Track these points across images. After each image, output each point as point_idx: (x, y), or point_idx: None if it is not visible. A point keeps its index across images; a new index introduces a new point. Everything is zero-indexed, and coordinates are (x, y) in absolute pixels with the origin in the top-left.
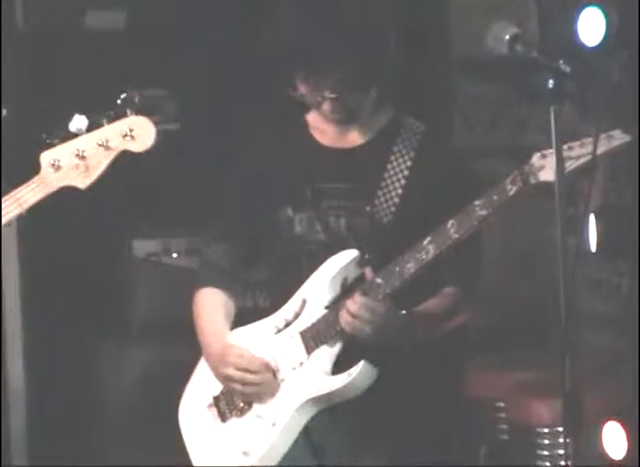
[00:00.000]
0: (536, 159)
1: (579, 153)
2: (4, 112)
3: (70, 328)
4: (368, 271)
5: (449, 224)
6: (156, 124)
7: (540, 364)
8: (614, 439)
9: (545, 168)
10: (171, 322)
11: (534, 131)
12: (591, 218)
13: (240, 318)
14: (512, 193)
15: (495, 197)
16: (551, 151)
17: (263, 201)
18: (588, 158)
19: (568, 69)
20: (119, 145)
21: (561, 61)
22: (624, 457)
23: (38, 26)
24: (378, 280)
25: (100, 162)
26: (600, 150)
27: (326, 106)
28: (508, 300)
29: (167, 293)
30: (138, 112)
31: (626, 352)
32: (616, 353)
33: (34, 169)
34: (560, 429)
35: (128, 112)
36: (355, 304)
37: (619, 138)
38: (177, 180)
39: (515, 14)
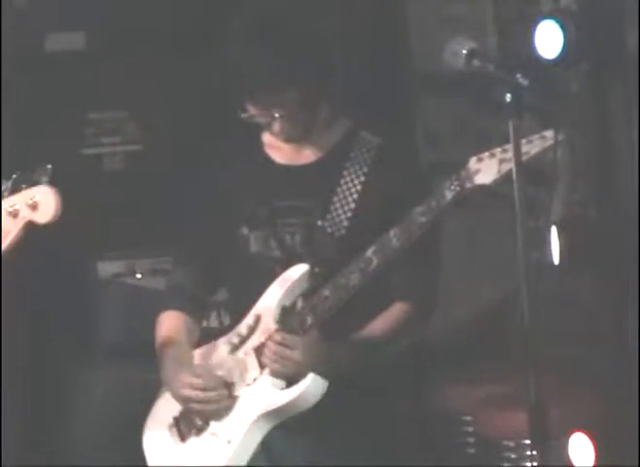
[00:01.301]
0: (472, 163)
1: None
2: None
3: (36, 350)
4: (299, 302)
5: (392, 233)
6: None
7: (505, 377)
8: (581, 450)
9: (481, 172)
10: (137, 343)
11: (497, 145)
12: (554, 230)
13: (206, 338)
14: (449, 198)
15: (434, 203)
16: (486, 154)
17: (220, 221)
18: (524, 158)
19: (526, 82)
20: (25, 214)
21: (519, 75)
22: None
23: None
24: (326, 292)
25: (10, 230)
26: (534, 150)
27: (276, 126)
28: (472, 313)
29: (133, 313)
30: (50, 181)
31: (592, 364)
32: (581, 365)
33: None
34: (527, 442)
35: (40, 180)
36: (274, 342)
37: (551, 138)
38: (140, 200)
39: (474, 28)
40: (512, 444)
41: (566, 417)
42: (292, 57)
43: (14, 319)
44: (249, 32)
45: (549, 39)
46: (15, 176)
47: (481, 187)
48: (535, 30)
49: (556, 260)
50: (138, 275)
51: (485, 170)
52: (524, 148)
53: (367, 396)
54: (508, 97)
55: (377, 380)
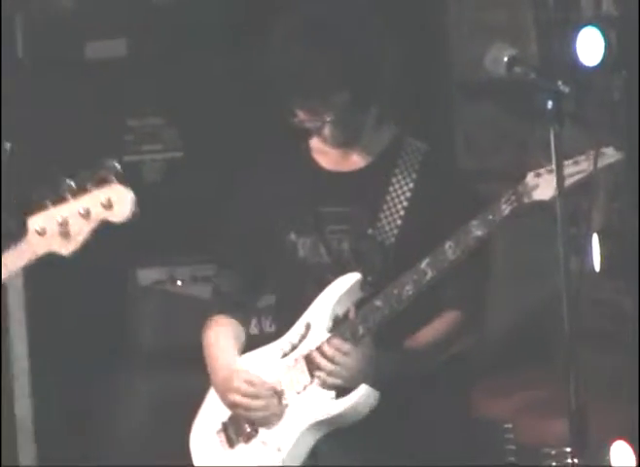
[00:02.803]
0: (530, 178)
1: (572, 171)
2: (7, 146)
3: (77, 358)
4: (351, 311)
5: (447, 245)
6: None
7: (546, 384)
8: (622, 458)
9: (539, 187)
10: (178, 350)
11: (537, 152)
12: (595, 238)
13: (247, 344)
14: (506, 212)
15: (490, 217)
16: (545, 170)
17: (267, 227)
18: (582, 175)
19: (567, 90)
20: (98, 215)
21: (560, 82)
22: None
23: (38, 57)
24: (378, 303)
25: (82, 230)
26: (592, 167)
27: (326, 131)
28: (512, 320)
29: (173, 321)
30: (119, 179)
31: (634, 371)
32: (621, 371)
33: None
34: (568, 449)
35: (110, 179)
36: (330, 347)
37: (611, 156)
38: (181, 207)
39: (514, 35)
40: (552, 451)
41: (607, 425)
42: (342, 59)
43: (54, 324)
44: (299, 34)
45: (590, 46)
46: (76, 176)
47: (540, 203)
48: (576, 37)
49: (597, 267)
50: (179, 282)
51: (544, 186)
52: (583, 165)
53: (407, 404)
54: (549, 105)
55: (417, 388)
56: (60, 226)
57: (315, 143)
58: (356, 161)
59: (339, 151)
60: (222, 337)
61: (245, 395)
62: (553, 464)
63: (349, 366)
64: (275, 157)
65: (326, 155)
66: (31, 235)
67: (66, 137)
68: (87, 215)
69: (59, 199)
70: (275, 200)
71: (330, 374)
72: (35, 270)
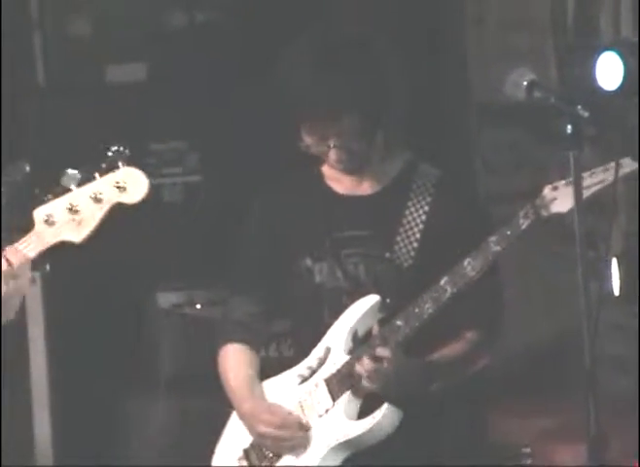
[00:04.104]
0: (547, 191)
1: (589, 183)
2: (26, 167)
3: (96, 381)
4: (375, 328)
5: (466, 262)
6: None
7: (565, 409)
8: None
9: (556, 200)
10: (197, 373)
11: (555, 175)
12: (614, 262)
13: (266, 368)
14: (524, 226)
15: (509, 233)
16: (562, 183)
17: (282, 252)
18: (599, 187)
19: (586, 114)
20: (111, 197)
21: (579, 106)
22: None
23: (59, 82)
24: (398, 322)
25: (94, 216)
26: (610, 178)
27: (332, 155)
28: (531, 344)
29: (192, 344)
30: (130, 163)
31: None
32: None
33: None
34: None
35: (120, 164)
36: (371, 356)
37: (628, 165)
38: (200, 230)
39: (534, 59)
40: None
41: (626, 450)
42: (349, 86)
43: (74, 346)
44: (308, 57)
45: (609, 70)
46: (84, 167)
47: (558, 215)
48: (596, 62)
49: (617, 291)
50: (198, 306)
51: (561, 198)
52: (601, 175)
53: (424, 427)
54: (568, 129)
55: (436, 411)
56: (70, 213)
57: (327, 170)
58: (369, 186)
59: (351, 177)
60: (238, 366)
61: (271, 426)
62: None
63: (387, 371)
64: (290, 182)
65: (339, 181)
66: (39, 225)
67: (88, 160)
68: (98, 199)
69: (63, 191)
70: (290, 226)
71: (369, 379)
72: (55, 294)
